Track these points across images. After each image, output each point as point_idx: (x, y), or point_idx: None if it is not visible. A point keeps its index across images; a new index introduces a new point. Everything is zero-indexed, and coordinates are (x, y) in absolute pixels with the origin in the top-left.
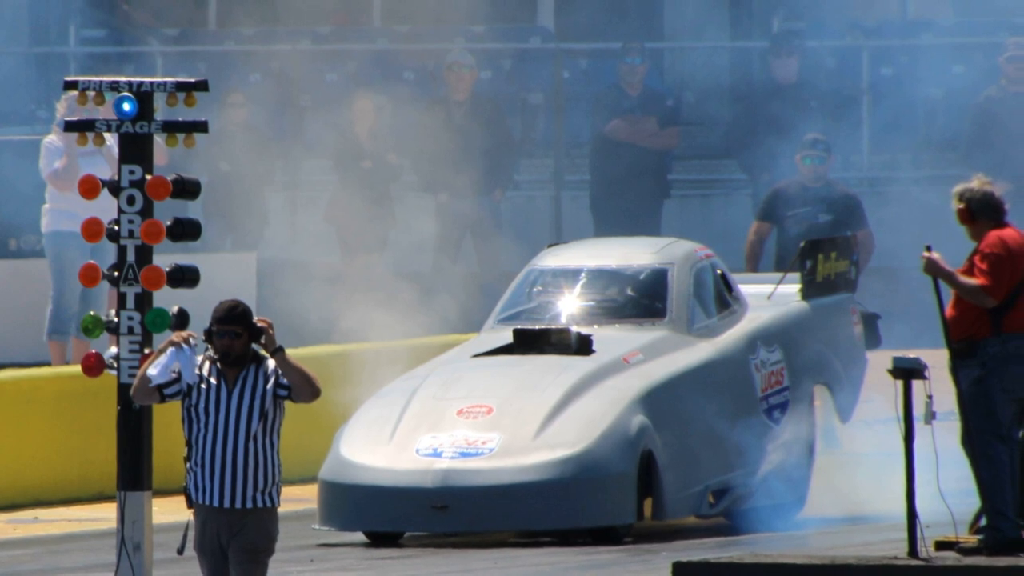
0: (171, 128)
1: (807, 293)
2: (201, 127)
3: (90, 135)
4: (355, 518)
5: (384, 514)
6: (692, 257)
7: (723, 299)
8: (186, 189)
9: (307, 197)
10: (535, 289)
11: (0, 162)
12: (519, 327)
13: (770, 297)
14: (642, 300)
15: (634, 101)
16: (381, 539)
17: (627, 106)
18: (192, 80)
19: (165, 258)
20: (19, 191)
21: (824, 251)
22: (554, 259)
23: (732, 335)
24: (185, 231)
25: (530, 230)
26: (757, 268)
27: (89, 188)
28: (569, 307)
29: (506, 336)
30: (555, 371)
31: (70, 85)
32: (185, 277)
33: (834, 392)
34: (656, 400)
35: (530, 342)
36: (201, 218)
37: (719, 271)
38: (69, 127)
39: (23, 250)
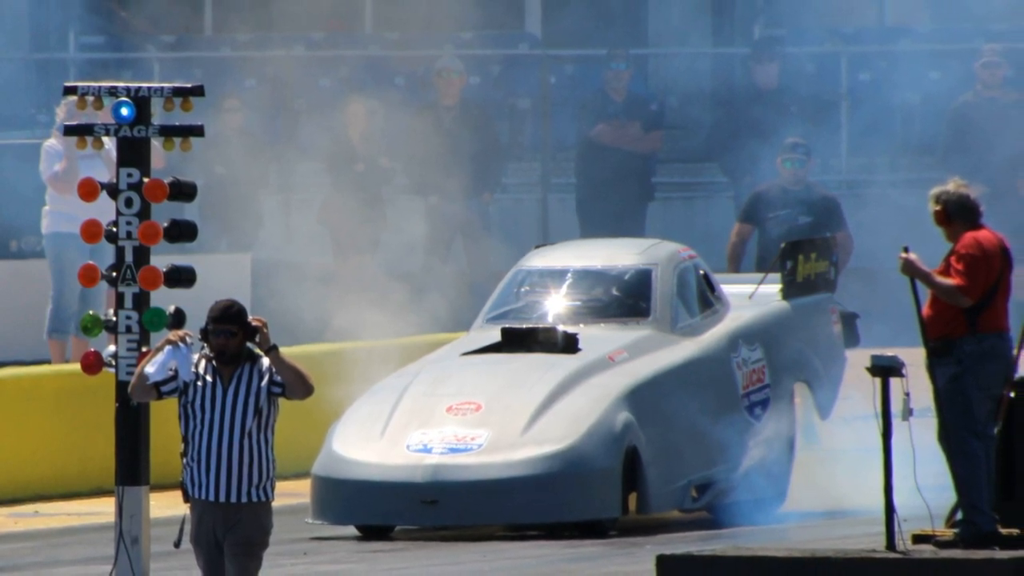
0: (168, 132)
1: (788, 293)
2: (197, 131)
3: (89, 139)
4: (347, 512)
5: (375, 508)
6: (675, 258)
7: (706, 299)
8: (183, 191)
9: (301, 199)
10: (523, 289)
11: (1, 165)
12: (507, 326)
13: (751, 297)
14: (627, 300)
15: (619, 106)
16: (372, 532)
17: (612, 111)
18: (188, 85)
19: (162, 259)
20: (20, 193)
21: (804, 252)
22: (541, 260)
23: (714, 334)
24: (182, 232)
25: (518, 231)
26: (739, 269)
27: (88, 191)
28: (556, 306)
29: (494, 335)
30: (542, 369)
31: (70, 90)
32: (182, 277)
33: (814, 389)
34: (640, 397)
35: (518, 341)
36: (197, 220)
37: (702, 271)
38: (69, 131)
39: (24, 251)
